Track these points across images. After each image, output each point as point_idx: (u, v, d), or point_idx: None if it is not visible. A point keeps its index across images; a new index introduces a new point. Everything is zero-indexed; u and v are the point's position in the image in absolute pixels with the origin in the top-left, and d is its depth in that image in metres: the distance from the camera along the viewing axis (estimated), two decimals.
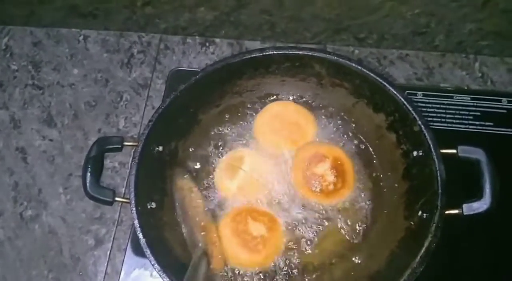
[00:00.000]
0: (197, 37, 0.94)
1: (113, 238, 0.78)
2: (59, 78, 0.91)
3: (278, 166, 0.74)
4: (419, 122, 0.66)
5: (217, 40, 0.94)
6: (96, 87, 0.90)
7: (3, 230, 0.79)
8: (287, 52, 0.71)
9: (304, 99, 0.79)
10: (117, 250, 0.77)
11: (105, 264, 0.76)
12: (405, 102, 0.67)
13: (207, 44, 0.93)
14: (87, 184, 0.64)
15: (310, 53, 0.71)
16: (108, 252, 0.77)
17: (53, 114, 0.88)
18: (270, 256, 0.68)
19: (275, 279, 0.68)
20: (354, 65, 0.69)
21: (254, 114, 0.78)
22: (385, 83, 0.68)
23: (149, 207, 0.66)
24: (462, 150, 0.65)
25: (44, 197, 0.81)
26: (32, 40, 0.95)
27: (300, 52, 0.71)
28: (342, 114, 0.77)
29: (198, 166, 0.75)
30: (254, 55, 0.71)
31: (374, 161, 0.74)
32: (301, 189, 0.72)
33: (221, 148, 0.76)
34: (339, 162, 0.72)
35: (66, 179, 0.82)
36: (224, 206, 0.72)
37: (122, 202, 0.65)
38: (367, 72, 0.69)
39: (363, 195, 0.72)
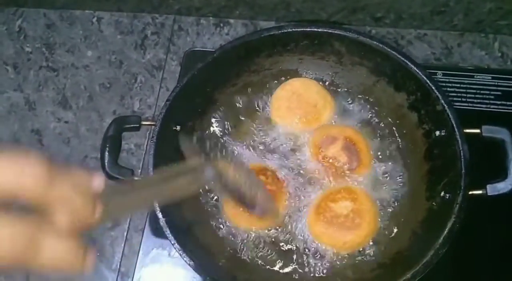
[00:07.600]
0: (211, 17, 0.92)
1: (130, 219, 0.77)
2: (73, 60, 0.90)
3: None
4: (442, 101, 0.64)
5: (231, 20, 0.92)
6: (111, 69, 0.89)
7: None
8: (305, 29, 0.70)
9: (323, 78, 0.77)
10: (134, 231, 0.76)
11: (122, 245, 0.76)
12: (427, 81, 0.65)
13: (221, 25, 0.92)
14: (106, 164, 0.63)
15: (329, 30, 0.69)
16: (125, 233, 0.76)
17: (68, 96, 0.87)
18: (372, 221, 0.67)
19: None
20: (375, 42, 0.67)
21: (270, 93, 0.77)
22: (407, 61, 0.66)
23: None
24: (486, 129, 0.64)
25: None
26: (45, 22, 0.94)
27: (319, 29, 0.69)
28: (362, 93, 0.75)
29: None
30: (272, 33, 0.69)
31: (395, 141, 0.73)
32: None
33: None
34: (351, 142, 0.71)
35: (82, 160, 0.82)
36: None
37: None
38: (389, 49, 0.67)
39: (383, 176, 0.71)
